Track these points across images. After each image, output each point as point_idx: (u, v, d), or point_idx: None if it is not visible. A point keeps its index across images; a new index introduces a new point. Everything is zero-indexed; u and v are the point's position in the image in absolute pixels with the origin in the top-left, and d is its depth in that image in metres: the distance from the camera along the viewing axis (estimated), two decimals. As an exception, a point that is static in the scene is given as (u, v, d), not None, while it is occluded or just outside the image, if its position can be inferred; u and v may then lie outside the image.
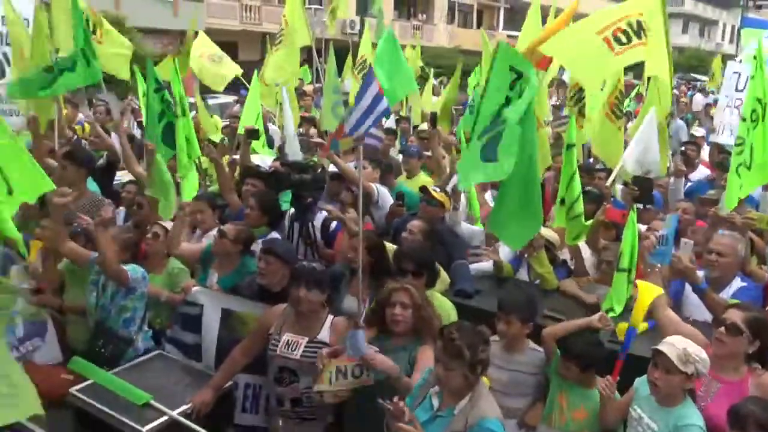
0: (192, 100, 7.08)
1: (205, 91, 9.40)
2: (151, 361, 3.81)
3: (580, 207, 4.37)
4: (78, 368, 3.60)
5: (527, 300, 3.53)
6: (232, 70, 8.81)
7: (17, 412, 3.02)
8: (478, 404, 2.75)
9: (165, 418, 3.21)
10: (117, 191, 5.52)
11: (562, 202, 4.46)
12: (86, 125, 8.47)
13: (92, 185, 5.17)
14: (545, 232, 4.50)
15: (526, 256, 4.50)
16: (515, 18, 38.54)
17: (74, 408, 3.37)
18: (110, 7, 18.51)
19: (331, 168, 5.72)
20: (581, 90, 5.97)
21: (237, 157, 6.03)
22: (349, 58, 11.74)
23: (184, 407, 3.32)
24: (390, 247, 4.43)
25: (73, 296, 4.19)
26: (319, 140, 5.62)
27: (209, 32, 22.84)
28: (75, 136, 6.85)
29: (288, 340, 3.43)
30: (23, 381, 3.08)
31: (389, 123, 8.23)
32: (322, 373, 3.20)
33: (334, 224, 4.78)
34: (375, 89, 3.84)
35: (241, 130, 6.44)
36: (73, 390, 3.36)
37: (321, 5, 30.04)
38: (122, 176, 6.07)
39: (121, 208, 5.20)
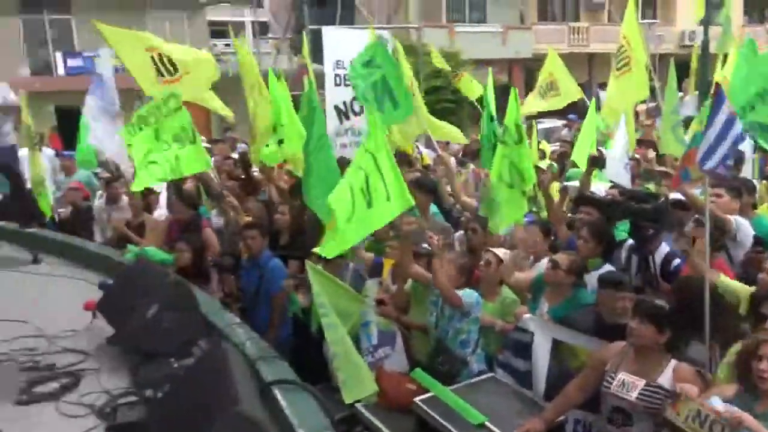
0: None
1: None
2: (484, 383, 3.95)
3: None
4: (420, 379, 3.93)
5: None
6: (563, 100, 8.71)
7: (361, 392, 3.73)
8: None
9: (499, 442, 3.28)
10: (457, 216, 5.92)
11: None
12: (424, 155, 9.31)
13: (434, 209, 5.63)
14: None
15: None
16: None
17: (416, 415, 3.66)
18: (446, 43, 20.12)
19: (672, 195, 5.27)
20: None
21: (568, 183, 5.95)
22: (691, 73, 10.72)
23: (516, 434, 3.35)
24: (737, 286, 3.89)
25: (416, 314, 4.56)
26: (663, 169, 5.21)
27: (537, 58, 23.21)
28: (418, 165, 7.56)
29: (624, 380, 3.26)
30: (365, 369, 3.82)
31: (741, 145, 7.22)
32: (679, 402, 2.93)
33: (677, 260, 4.38)
34: (727, 111, 3.44)
35: (576, 156, 6.33)
36: (417, 399, 3.67)
37: (655, 18, 28.21)
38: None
39: (460, 232, 5.54)
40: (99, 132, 6.70)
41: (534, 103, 8.68)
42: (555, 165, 7.34)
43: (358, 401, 3.90)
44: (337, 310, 4.11)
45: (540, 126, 16.26)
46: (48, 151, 9.39)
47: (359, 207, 3.85)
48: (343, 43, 7.85)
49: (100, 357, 3.72)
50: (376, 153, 3.93)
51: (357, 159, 4.04)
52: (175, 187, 6.86)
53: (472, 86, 9.82)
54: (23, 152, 7.18)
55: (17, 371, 3.53)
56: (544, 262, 4.50)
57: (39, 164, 7.45)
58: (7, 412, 3.11)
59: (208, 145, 10.90)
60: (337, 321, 4.01)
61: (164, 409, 2.66)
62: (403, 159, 7.00)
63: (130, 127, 5.65)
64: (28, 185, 7.03)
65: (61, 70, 20.21)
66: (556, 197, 5.76)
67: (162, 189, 7.07)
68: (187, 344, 3.57)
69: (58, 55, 20.25)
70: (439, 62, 7.93)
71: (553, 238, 5.13)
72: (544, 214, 5.68)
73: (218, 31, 21.59)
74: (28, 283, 5.40)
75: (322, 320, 4.07)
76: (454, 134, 8.09)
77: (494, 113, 5.89)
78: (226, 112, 7.03)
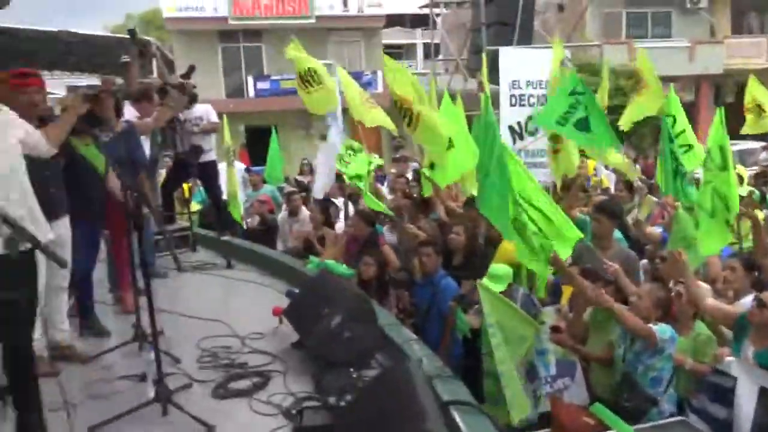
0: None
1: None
2: (673, 426, 3.57)
3: None
4: (600, 414, 3.67)
5: None
6: None
7: (524, 411, 3.79)
8: None
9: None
10: (644, 244, 5.56)
11: None
12: (603, 177, 8.86)
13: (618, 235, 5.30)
14: None
15: None
16: None
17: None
18: (626, 60, 19.11)
19: None
20: None
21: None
22: None
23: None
24: None
25: (594, 344, 4.29)
26: None
27: (728, 74, 21.26)
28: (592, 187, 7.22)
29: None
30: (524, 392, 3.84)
31: None
32: None
33: None
34: None
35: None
36: (596, 436, 3.45)
37: None
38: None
39: (645, 260, 5.18)
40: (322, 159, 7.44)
41: (756, 126, 7.90)
42: (757, 192, 6.62)
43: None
44: (509, 333, 4.02)
45: (734, 148, 14.86)
46: (239, 165, 10.29)
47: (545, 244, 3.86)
48: (520, 64, 7.75)
49: (286, 361, 3.96)
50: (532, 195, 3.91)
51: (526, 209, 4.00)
52: (354, 203, 7.16)
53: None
54: (221, 167, 7.91)
55: (216, 367, 3.86)
56: (747, 301, 4.03)
57: (234, 178, 8.17)
58: (208, 403, 3.40)
59: (380, 162, 11.26)
60: (502, 341, 3.95)
61: (350, 418, 2.74)
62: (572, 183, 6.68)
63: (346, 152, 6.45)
64: (224, 197, 7.74)
65: (251, 93, 22.15)
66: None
67: (341, 204, 7.43)
68: (366, 355, 3.67)
69: (250, 79, 22.24)
70: (649, 71, 7.07)
71: (757, 273, 4.59)
72: (747, 245, 5.13)
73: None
74: (223, 286, 5.94)
75: (491, 340, 4.01)
76: (625, 167, 7.54)
77: (672, 132, 5.43)
78: (392, 126, 7.18)
